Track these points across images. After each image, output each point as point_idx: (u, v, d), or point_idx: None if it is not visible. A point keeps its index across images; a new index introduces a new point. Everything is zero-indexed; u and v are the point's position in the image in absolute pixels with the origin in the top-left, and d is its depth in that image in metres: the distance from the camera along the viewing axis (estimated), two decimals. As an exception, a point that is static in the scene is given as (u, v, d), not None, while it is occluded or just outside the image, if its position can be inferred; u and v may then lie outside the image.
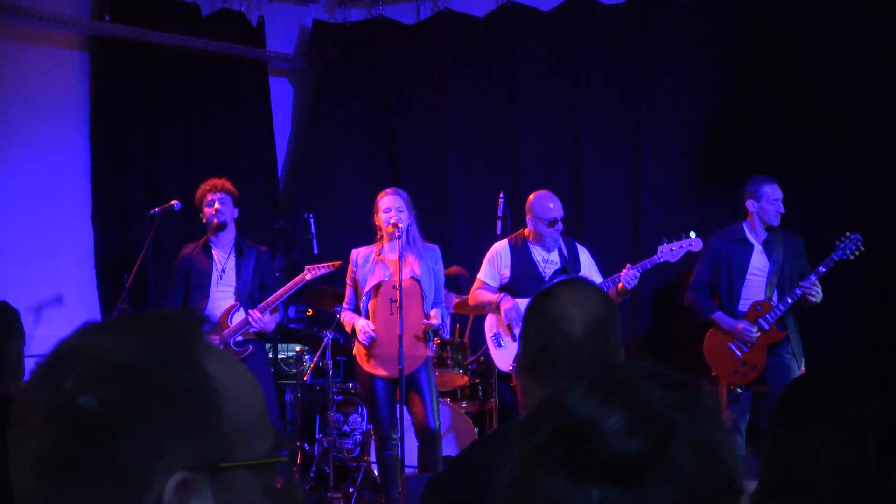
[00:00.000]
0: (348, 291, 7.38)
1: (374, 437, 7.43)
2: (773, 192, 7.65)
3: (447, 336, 8.19)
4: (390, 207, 7.14)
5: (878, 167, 8.79)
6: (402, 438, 7.02)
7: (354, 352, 7.29)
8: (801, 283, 7.45)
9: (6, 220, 8.43)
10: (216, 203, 7.49)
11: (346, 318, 7.31)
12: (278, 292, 7.43)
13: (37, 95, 8.73)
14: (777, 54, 9.06)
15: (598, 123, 9.65)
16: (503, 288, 7.64)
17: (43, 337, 6.13)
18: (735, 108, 9.19)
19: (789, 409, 3.13)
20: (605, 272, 7.69)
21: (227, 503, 1.21)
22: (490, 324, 7.77)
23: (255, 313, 7.33)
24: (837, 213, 8.68)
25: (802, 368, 7.69)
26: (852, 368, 7.96)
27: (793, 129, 8.98)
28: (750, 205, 7.69)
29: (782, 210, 7.66)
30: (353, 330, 7.20)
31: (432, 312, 7.16)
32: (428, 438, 7.17)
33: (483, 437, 8.09)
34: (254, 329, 7.36)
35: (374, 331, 7.08)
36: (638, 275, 7.39)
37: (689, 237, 7.50)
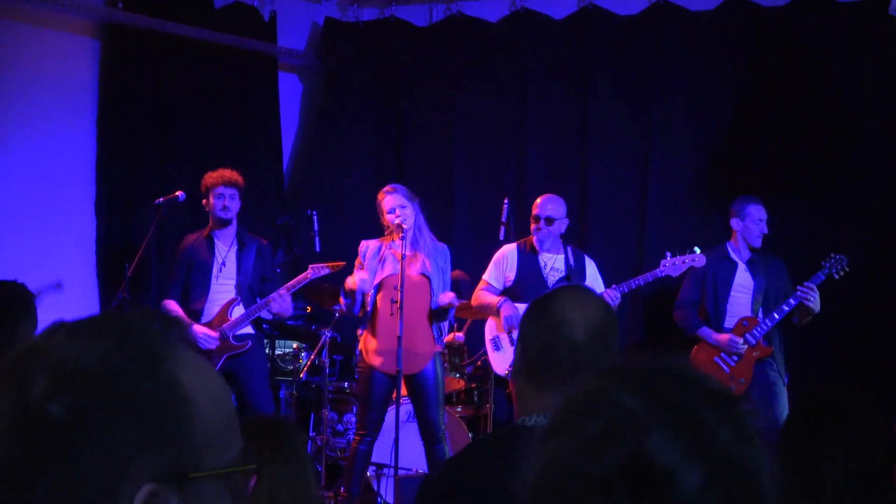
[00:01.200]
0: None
1: (355, 430, 7.34)
2: (757, 213, 7.78)
3: (447, 335, 8.16)
4: (393, 207, 7.08)
5: (885, 185, 8.81)
6: (396, 440, 6.90)
7: (360, 346, 7.23)
8: (799, 288, 7.53)
9: (10, 202, 8.42)
10: (226, 198, 7.44)
11: (349, 280, 7.17)
12: (293, 281, 7.37)
13: (47, 79, 8.70)
14: (787, 70, 9.09)
15: (607, 132, 9.64)
16: (506, 291, 7.62)
17: (43, 322, 6.06)
18: (744, 122, 9.21)
19: (797, 431, 3.10)
20: (608, 282, 7.68)
21: None
22: (490, 326, 7.75)
23: (282, 292, 7.28)
24: (841, 230, 8.68)
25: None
26: (835, 384, 8.00)
27: (802, 145, 9.02)
28: (734, 223, 7.83)
29: (766, 231, 7.80)
30: (352, 293, 7.10)
31: (446, 292, 7.11)
32: (436, 440, 7.09)
33: (479, 439, 8.06)
34: (275, 307, 7.29)
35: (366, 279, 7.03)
36: (619, 295, 7.37)
37: (693, 252, 7.50)
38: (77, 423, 1.13)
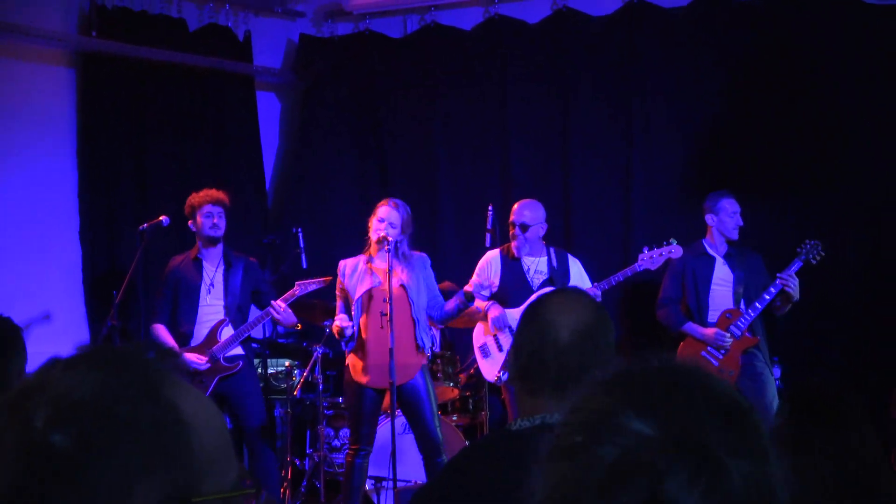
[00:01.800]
0: (338, 304, 7.26)
1: (348, 445, 7.29)
2: (730, 206, 7.86)
3: (438, 349, 8.15)
4: (384, 219, 7.04)
5: (869, 180, 8.86)
6: (393, 453, 6.84)
7: (347, 362, 7.19)
8: (779, 276, 7.60)
9: (-7, 235, 8.38)
10: (215, 216, 7.45)
11: (333, 325, 7.20)
12: (284, 296, 7.35)
13: (24, 110, 8.71)
14: (765, 63, 9.11)
15: (588, 134, 9.66)
16: (493, 297, 7.61)
17: (32, 354, 6.02)
18: (723, 117, 9.24)
19: (789, 428, 3.05)
20: (594, 281, 7.67)
21: None
22: (477, 334, 7.76)
23: (279, 303, 7.25)
24: (824, 224, 8.67)
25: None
26: (827, 376, 8.05)
27: (781, 139, 9.06)
28: (709, 219, 7.91)
29: (741, 223, 7.87)
30: (340, 334, 7.08)
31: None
32: (433, 451, 7.00)
33: (469, 445, 8.00)
34: (278, 317, 7.27)
35: (357, 326, 7.01)
36: (599, 294, 7.33)
37: (669, 244, 7.51)
38: (81, 451, 1.15)
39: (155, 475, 1.18)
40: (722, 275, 7.81)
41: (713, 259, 7.85)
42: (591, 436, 1.16)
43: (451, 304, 7.16)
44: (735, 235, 7.84)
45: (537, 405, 2.53)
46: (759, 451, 1.17)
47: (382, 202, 7.16)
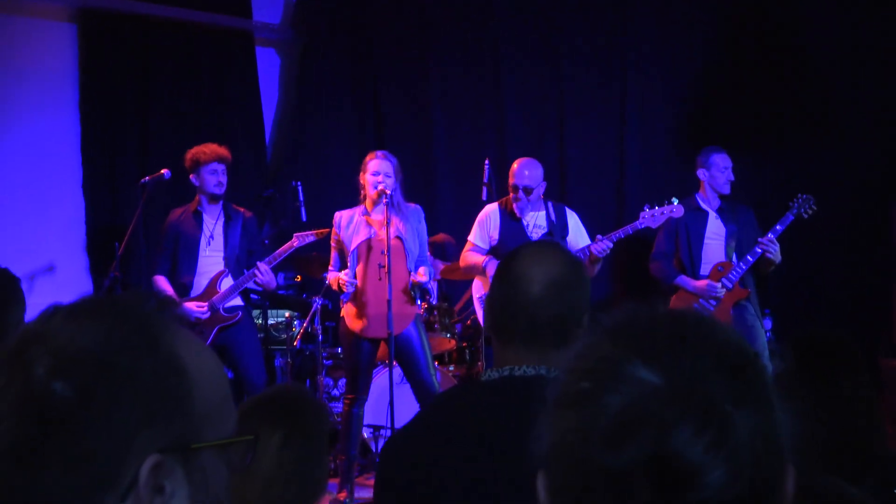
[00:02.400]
0: (333, 255, 7.29)
1: (344, 395, 7.37)
2: (722, 161, 7.87)
3: (435, 301, 8.19)
4: (378, 171, 7.03)
5: (858, 139, 8.98)
6: (391, 402, 6.92)
7: (342, 313, 7.22)
8: (759, 240, 7.63)
9: (-1, 190, 8.40)
10: (220, 175, 7.45)
11: (332, 276, 7.21)
12: (277, 252, 7.39)
13: (26, 66, 8.69)
14: (758, 26, 9.16)
15: (583, 91, 9.73)
16: (492, 250, 7.63)
17: (35, 305, 6.09)
18: (717, 79, 9.32)
19: (788, 371, 3.07)
20: (591, 235, 7.67)
21: (197, 482, 1.25)
22: (477, 286, 7.78)
23: (263, 265, 7.28)
24: (816, 181, 8.67)
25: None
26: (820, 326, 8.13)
27: (774, 100, 9.15)
28: (701, 174, 7.92)
29: (732, 178, 7.88)
30: (339, 287, 7.12)
31: (420, 270, 7.04)
32: (429, 398, 7.05)
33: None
34: (261, 279, 7.29)
35: (355, 279, 7.02)
36: (610, 245, 7.34)
37: (671, 203, 7.51)
38: (84, 401, 1.17)
39: (156, 424, 1.21)
40: (714, 229, 7.84)
41: (706, 213, 7.88)
42: (598, 383, 1.15)
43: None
44: (727, 190, 7.86)
45: (507, 357, 2.50)
46: (765, 401, 1.16)
47: (369, 156, 7.14)
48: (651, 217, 7.49)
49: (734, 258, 7.75)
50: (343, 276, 7.04)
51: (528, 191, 7.53)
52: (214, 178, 7.43)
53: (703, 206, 7.90)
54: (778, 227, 7.62)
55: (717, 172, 7.84)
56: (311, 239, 7.41)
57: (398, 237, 7.06)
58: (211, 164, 7.42)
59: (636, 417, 1.10)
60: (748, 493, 1.09)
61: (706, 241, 7.83)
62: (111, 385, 1.19)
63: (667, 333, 1.18)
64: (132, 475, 1.19)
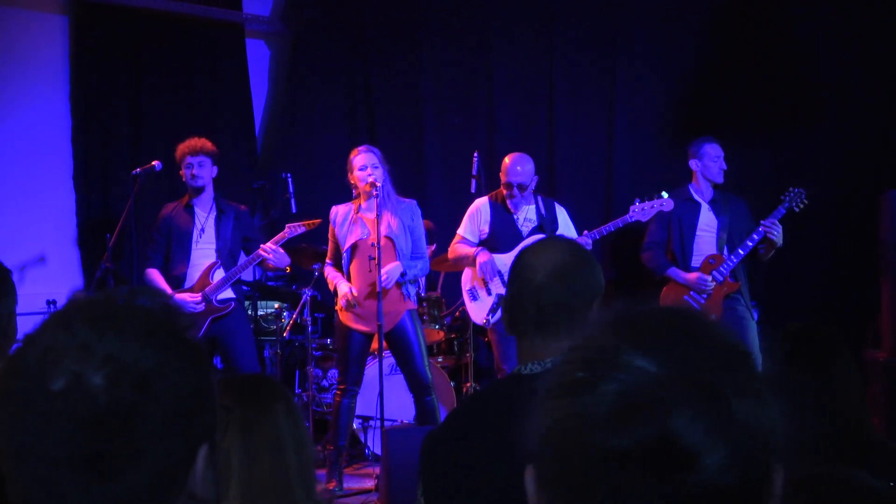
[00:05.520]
0: (331, 246, 7.33)
1: (336, 385, 7.42)
2: (713, 151, 7.87)
3: (423, 293, 8.17)
4: (365, 165, 7.05)
5: (847, 132, 9.04)
6: (381, 394, 6.93)
7: (337, 307, 7.24)
8: (762, 222, 7.60)
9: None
10: (194, 167, 7.44)
11: (331, 275, 7.26)
12: (275, 238, 7.36)
13: (18, 58, 8.70)
14: (748, 18, 9.25)
15: (573, 83, 9.75)
16: (482, 243, 7.62)
17: (27, 296, 6.02)
18: (705, 72, 9.38)
19: (779, 362, 3.10)
20: (578, 230, 7.68)
21: (215, 460, 1.37)
22: (466, 277, 7.74)
23: (269, 245, 7.26)
24: (804, 175, 8.72)
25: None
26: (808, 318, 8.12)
27: (763, 92, 9.26)
28: (693, 164, 7.91)
29: (724, 167, 7.89)
30: (335, 290, 7.17)
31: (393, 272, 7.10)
32: (423, 391, 7.12)
33: (477, 390, 8.14)
34: (271, 259, 7.26)
35: (354, 297, 7.04)
36: (590, 242, 7.36)
37: (661, 197, 7.54)
38: (139, 405, 1.25)
39: (196, 419, 1.32)
40: (707, 221, 7.82)
41: (699, 205, 7.85)
42: (594, 372, 1.15)
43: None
44: (720, 179, 7.85)
45: (524, 350, 2.56)
46: (761, 395, 1.16)
47: (353, 154, 7.17)
48: (641, 211, 7.52)
49: (725, 251, 7.72)
50: (344, 290, 7.09)
51: (522, 187, 7.53)
52: (188, 172, 7.45)
53: (696, 197, 7.88)
54: (773, 218, 7.60)
55: (710, 162, 7.82)
56: (302, 230, 7.41)
57: (389, 237, 7.10)
58: (185, 159, 7.45)
59: (637, 401, 1.11)
60: (741, 482, 1.11)
61: (698, 232, 7.81)
62: (159, 387, 1.26)
63: (664, 326, 1.20)
64: (187, 468, 1.31)
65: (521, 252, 2.73)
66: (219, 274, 7.39)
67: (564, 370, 1.19)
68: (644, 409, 1.10)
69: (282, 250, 7.32)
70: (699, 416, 1.09)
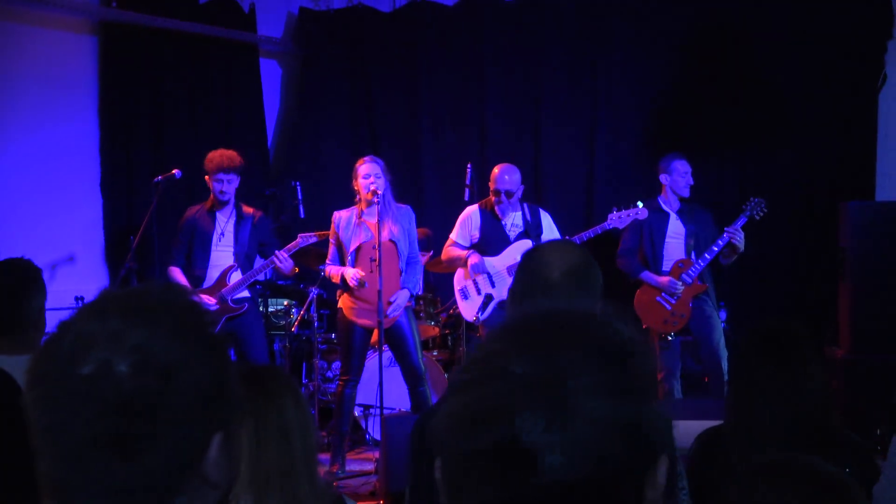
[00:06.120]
0: (331, 249, 7.41)
1: (339, 376, 7.52)
2: (682, 167, 7.93)
3: (420, 292, 8.30)
4: (369, 174, 7.16)
5: (809, 147, 9.14)
6: (381, 384, 7.04)
7: (340, 304, 7.36)
8: (726, 229, 7.67)
9: (24, 189, 8.43)
10: (224, 183, 7.44)
11: (332, 270, 7.36)
12: (288, 246, 7.42)
13: (51, 76, 8.69)
14: (721, 43, 9.24)
15: (557, 102, 9.79)
16: (473, 247, 7.76)
17: (57, 292, 6.13)
18: (680, 91, 9.38)
19: (748, 358, 3.15)
20: (562, 236, 7.73)
21: (229, 448, 1.36)
22: (458, 278, 7.86)
23: (281, 253, 7.32)
24: (770, 185, 8.88)
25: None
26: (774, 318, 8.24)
27: (733, 111, 9.25)
28: (663, 178, 7.98)
29: (692, 182, 7.95)
30: (342, 279, 7.25)
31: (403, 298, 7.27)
32: (417, 381, 7.27)
33: None
34: (281, 265, 7.32)
35: (362, 276, 7.14)
36: None
37: (636, 206, 7.63)
38: (164, 391, 1.25)
39: (219, 408, 1.31)
40: (675, 229, 7.88)
41: (667, 215, 7.92)
42: (475, 375, 1.17)
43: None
44: (686, 193, 7.92)
45: None
46: (638, 392, 1.15)
47: (359, 163, 7.27)
48: (618, 219, 7.60)
49: (693, 256, 7.80)
50: (351, 273, 7.18)
51: (509, 194, 7.65)
52: (219, 187, 7.46)
53: (665, 207, 7.95)
54: (737, 224, 7.70)
55: (678, 177, 7.89)
56: (314, 240, 7.50)
57: (392, 241, 7.22)
58: (217, 174, 7.46)
59: (491, 406, 1.11)
60: (595, 476, 1.09)
61: (667, 239, 7.88)
62: (181, 378, 1.25)
63: (547, 330, 1.19)
64: (202, 453, 1.30)
65: (533, 250, 2.73)
66: (235, 276, 7.47)
67: (462, 370, 1.21)
68: (494, 413, 1.11)
69: (289, 258, 7.38)
70: (539, 417, 1.09)
